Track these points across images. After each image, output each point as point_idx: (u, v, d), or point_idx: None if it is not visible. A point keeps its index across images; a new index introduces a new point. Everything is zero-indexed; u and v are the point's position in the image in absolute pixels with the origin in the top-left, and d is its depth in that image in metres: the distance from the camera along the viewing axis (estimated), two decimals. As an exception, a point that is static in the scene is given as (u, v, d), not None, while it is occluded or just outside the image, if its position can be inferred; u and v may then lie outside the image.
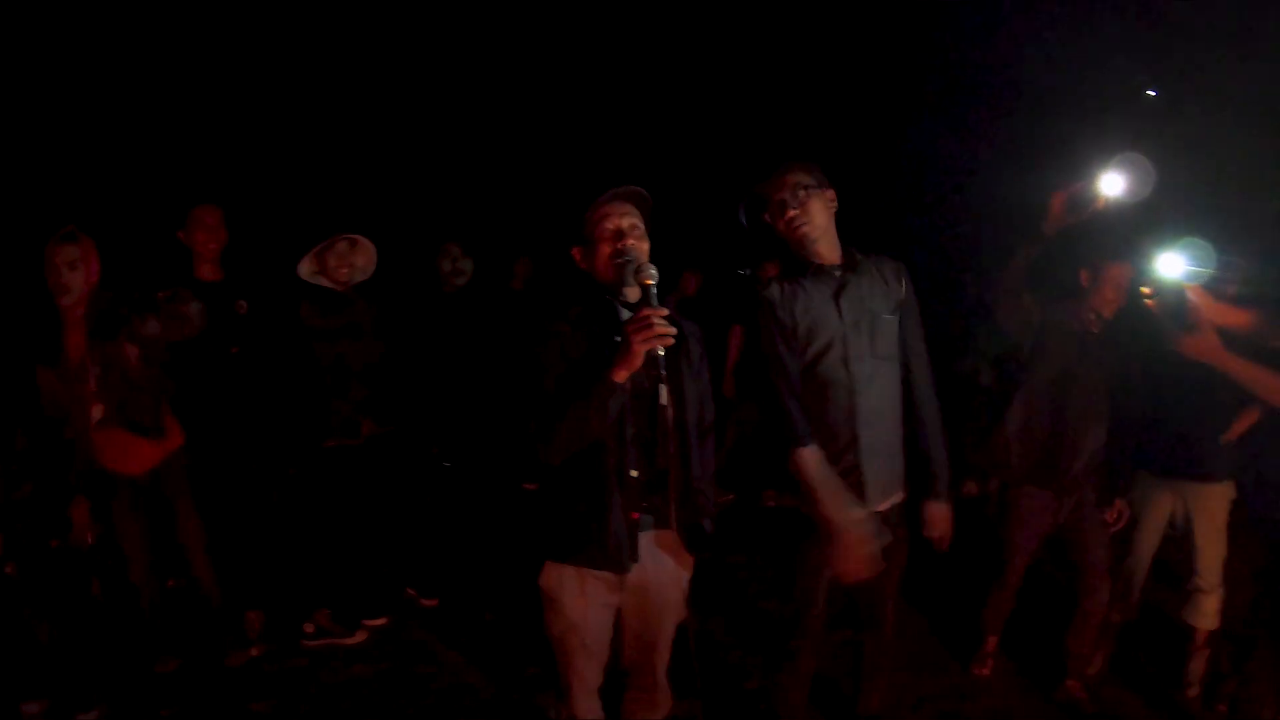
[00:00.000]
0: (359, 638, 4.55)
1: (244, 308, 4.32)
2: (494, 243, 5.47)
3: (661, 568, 2.84)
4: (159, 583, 4.05)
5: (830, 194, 3.10)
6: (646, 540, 2.77)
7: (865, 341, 3.05)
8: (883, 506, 3.09)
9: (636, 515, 2.70)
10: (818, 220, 3.05)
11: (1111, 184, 2.99)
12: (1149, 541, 4.07)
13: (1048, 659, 4.18)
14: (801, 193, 3.03)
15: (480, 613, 4.82)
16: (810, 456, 2.92)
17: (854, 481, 3.01)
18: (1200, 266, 2.92)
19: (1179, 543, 4.07)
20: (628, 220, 2.71)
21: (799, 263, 3.10)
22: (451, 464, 4.74)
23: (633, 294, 2.68)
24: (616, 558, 2.69)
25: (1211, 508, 3.89)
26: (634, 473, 2.67)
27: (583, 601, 2.79)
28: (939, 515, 3.16)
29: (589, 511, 2.67)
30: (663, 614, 2.94)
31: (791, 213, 3.04)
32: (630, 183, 2.79)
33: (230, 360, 4.21)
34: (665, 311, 2.48)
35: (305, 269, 4.42)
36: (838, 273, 3.08)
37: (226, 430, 4.20)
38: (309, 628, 4.52)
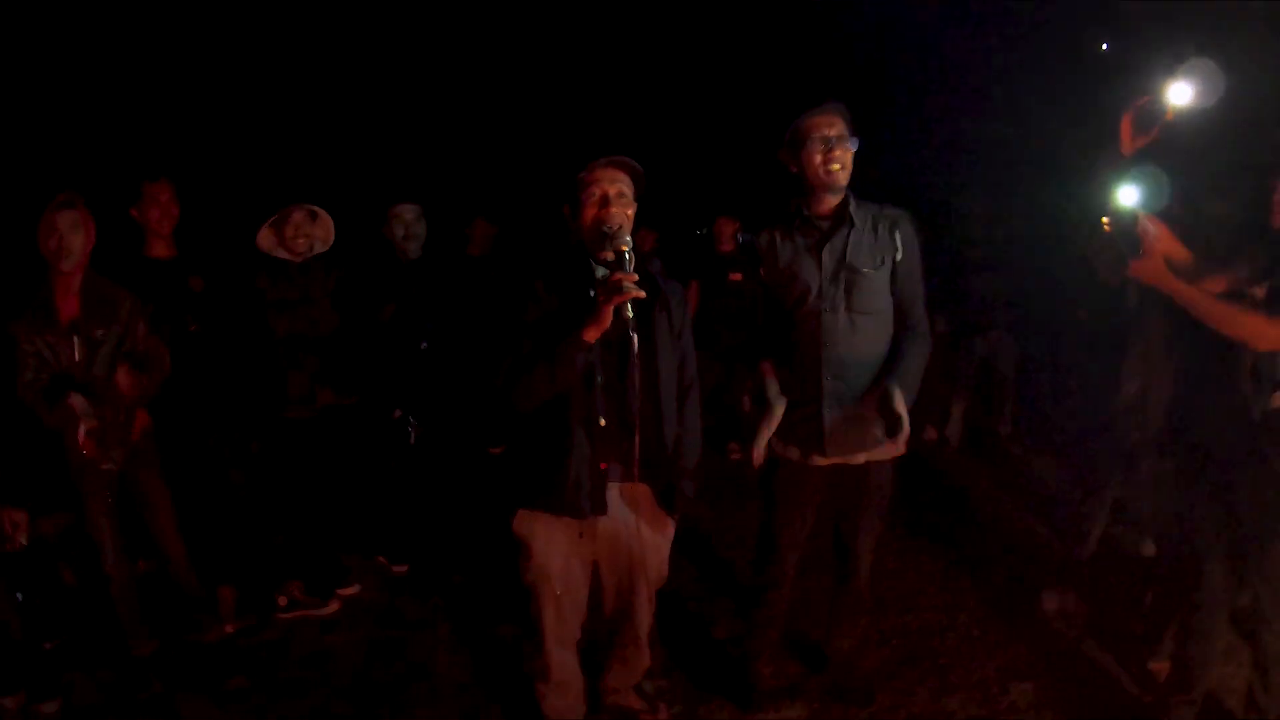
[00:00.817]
0: (332, 607, 4.55)
1: (199, 285, 4.24)
2: (447, 207, 5.38)
3: (634, 523, 2.95)
4: (130, 567, 3.98)
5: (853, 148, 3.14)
6: (615, 492, 2.89)
7: (840, 294, 3.13)
8: (844, 459, 3.21)
9: (605, 465, 2.83)
10: (849, 169, 3.12)
11: (1180, 93, 2.99)
12: (1108, 485, 4.17)
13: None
14: (844, 139, 3.08)
15: (450, 576, 4.85)
16: (763, 372, 3.18)
17: (813, 430, 3.16)
18: (1156, 195, 2.99)
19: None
20: (615, 188, 2.82)
21: (785, 211, 3.21)
22: (416, 428, 4.71)
23: (609, 257, 2.73)
24: (574, 503, 2.82)
25: None
26: (603, 421, 2.79)
27: (551, 549, 2.92)
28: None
29: (552, 457, 2.80)
30: (637, 571, 3.04)
31: (836, 153, 3.07)
32: (585, 138, 2.90)
33: (189, 338, 4.14)
34: (635, 276, 2.61)
35: (264, 240, 4.35)
36: (825, 224, 3.16)
37: (189, 408, 4.14)
38: (282, 600, 4.51)
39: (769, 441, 3.25)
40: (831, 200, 3.17)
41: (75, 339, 3.68)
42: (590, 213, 2.82)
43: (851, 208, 3.17)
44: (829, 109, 3.12)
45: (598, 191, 2.83)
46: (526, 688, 3.57)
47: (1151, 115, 3.06)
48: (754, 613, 3.58)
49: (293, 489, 4.44)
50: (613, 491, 2.90)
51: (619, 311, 2.63)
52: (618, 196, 2.83)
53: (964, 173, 8.03)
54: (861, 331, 3.16)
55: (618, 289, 2.59)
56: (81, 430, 3.60)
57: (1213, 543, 3.12)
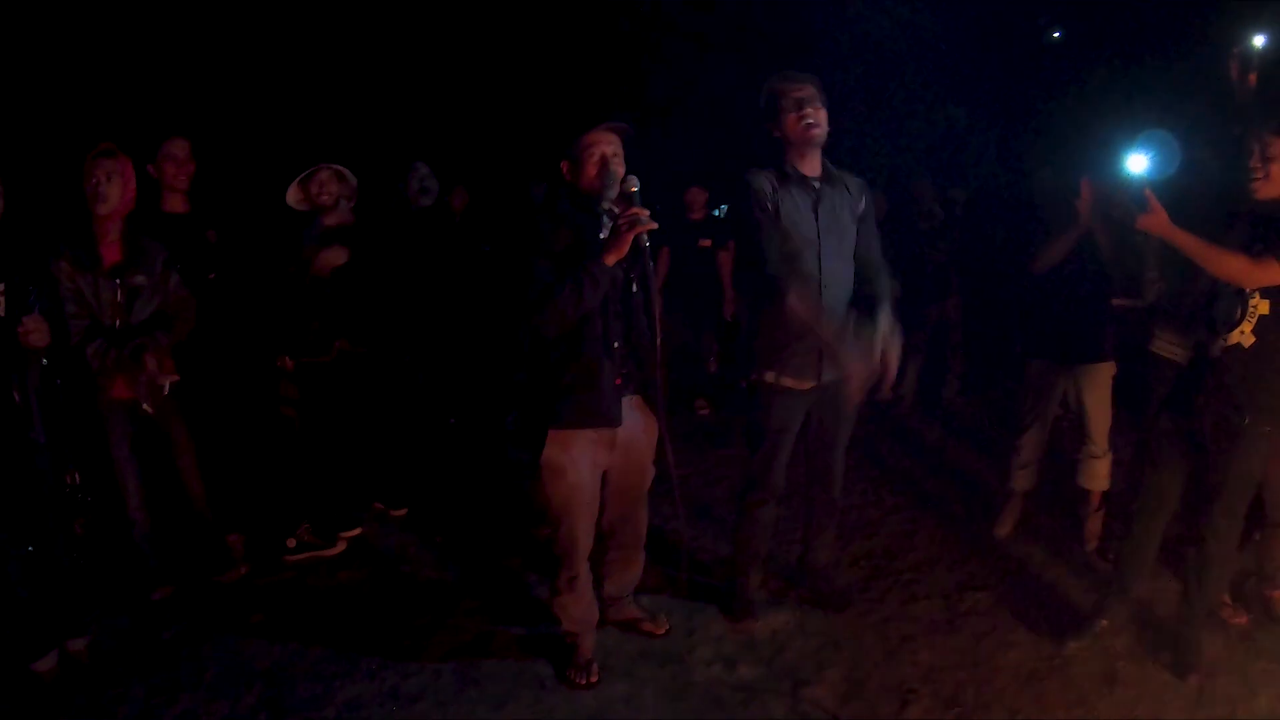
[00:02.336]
0: (339, 548, 4.81)
1: (213, 236, 4.49)
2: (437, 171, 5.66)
3: (639, 428, 3.46)
4: (150, 512, 4.15)
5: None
6: (627, 403, 3.35)
7: (835, 244, 3.60)
8: (833, 378, 3.64)
9: (619, 381, 3.29)
10: (824, 125, 3.53)
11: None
12: (1044, 419, 4.63)
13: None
14: (814, 99, 3.51)
15: (447, 516, 5.16)
16: (797, 297, 3.42)
17: (814, 359, 3.60)
18: (1165, 161, 3.51)
19: (1071, 418, 4.64)
20: (612, 148, 3.29)
21: (779, 167, 3.58)
22: (424, 376, 4.99)
23: (610, 201, 3.23)
24: (610, 415, 3.27)
25: (1099, 384, 4.42)
26: (616, 344, 3.27)
27: (581, 464, 3.34)
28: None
29: (585, 378, 3.23)
30: (642, 471, 3.57)
31: (808, 110, 3.49)
32: (559, 116, 3.35)
33: (207, 287, 4.37)
34: (647, 211, 3.06)
35: (292, 197, 4.66)
36: (816, 184, 3.60)
37: (210, 355, 4.36)
38: (291, 542, 4.75)
39: (766, 375, 3.67)
40: (814, 158, 3.61)
41: (118, 282, 3.89)
42: (592, 169, 3.28)
43: (831, 169, 3.64)
44: (799, 76, 3.56)
45: (597, 151, 3.28)
46: (537, 608, 3.97)
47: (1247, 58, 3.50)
48: (744, 530, 3.99)
49: (305, 433, 4.70)
50: (627, 403, 3.37)
51: (636, 241, 3.09)
52: (614, 155, 3.30)
53: (917, 155, 8.48)
54: (846, 275, 3.65)
55: (636, 220, 3.05)
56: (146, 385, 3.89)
57: (1171, 456, 3.53)
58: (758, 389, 3.72)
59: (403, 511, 5.26)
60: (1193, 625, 3.55)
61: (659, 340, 3.36)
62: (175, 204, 4.48)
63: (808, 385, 3.66)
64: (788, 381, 3.66)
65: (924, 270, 7.08)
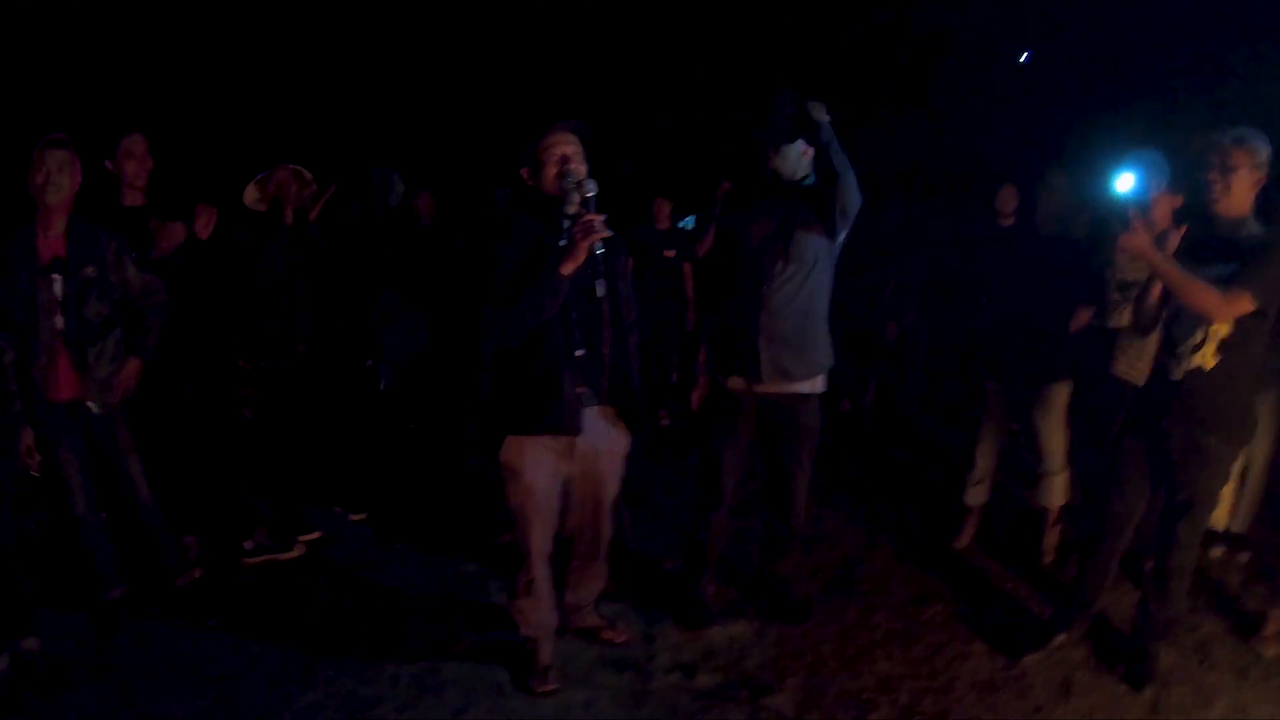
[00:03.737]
0: (297, 552, 4.77)
1: (157, 225, 4.41)
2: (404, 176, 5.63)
3: (604, 438, 3.43)
4: (99, 512, 4.05)
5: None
6: (590, 414, 3.33)
7: (780, 247, 3.68)
8: (779, 389, 3.76)
9: (581, 390, 3.27)
10: (790, 166, 3.75)
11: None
12: (997, 437, 4.69)
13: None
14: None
15: (406, 521, 5.11)
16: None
17: (750, 358, 3.72)
18: (1152, 180, 3.62)
19: (1027, 437, 4.69)
20: (571, 148, 3.27)
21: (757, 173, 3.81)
22: (386, 375, 4.96)
23: (572, 207, 3.19)
24: (570, 424, 3.25)
25: (1054, 405, 4.48)
26: (578, 352, 3.24)
27: (539, 469, 3.33)
28: None
29: (544, 385, 3.22)
30: (606, 481, 3.54)
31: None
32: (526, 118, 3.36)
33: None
34: (604, 217, 3.07)
35: (249, 196, 4.61)
36: (781, 190, 3.74)
37: (168, 354, 4.28)
38: (248, 545, 4.70)
39: (715, 375, 3.85)
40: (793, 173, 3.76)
41: (56, 278, 3.76)
42: (552, 171, 3.26)
43: (808, 181, 3.76)
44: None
45: (556, 152, 3.26)
46: (496, 614, 3.94)
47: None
48: (696, 534, 4.07)
49: (262, 436, 4.65)
50: (588, 413, 3.34)
51: (590, 251, 3.08)
52: (574, 154, 3.28)
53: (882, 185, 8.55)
54: (797, 280, 3.72)
55: (590, 228, 3.05)
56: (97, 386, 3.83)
57: (1134, 476, 3.57)
58: (712, 391, 3.88)
59: (362, 516, 5.22)
60: (1150, 636, 3.61)
61: (627, 356, 3.39)
62: (134, 198, 4.42)
63: (752, 389, 3.78)
64: (734, 383, 3.81)
65: (884, 291, 7.15)
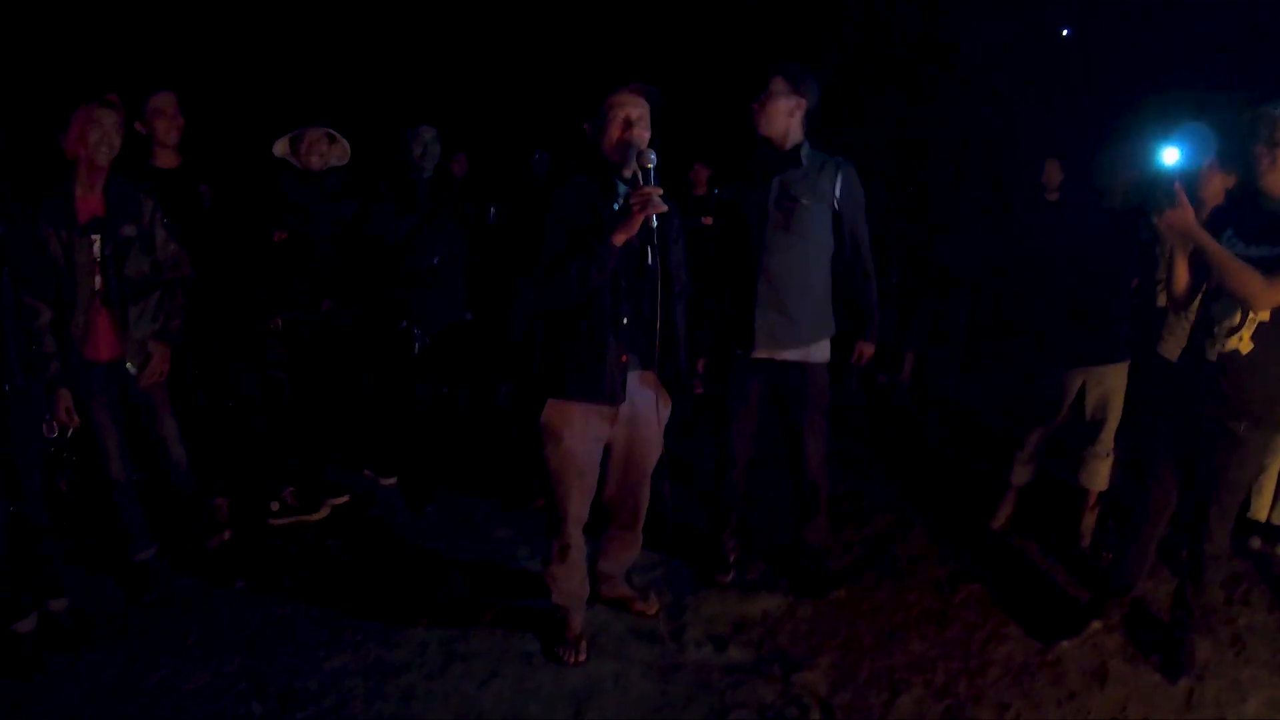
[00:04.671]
0: (323, 513, 4.77)
1: (207, 191, 4.43)
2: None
3: (647, 405, 3.37)
4: (132, 472, 4.04)
5: (797, 102, 3.70)
6: (633, 379, 3.30)
7: (781, 218, 3.70)
8: (770, 355, 3.81)
9: (625, 358, 3.23)
10: (775, 123, 3.71)
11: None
12: (1056, 417, 4.55)
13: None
14: (769, 100, 3.68)
15: (438, 486, 5.09)
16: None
17: (745, 326, 3.77)
18: (1199, 154, 3.40)
19: (1077, 416, 4.59)
20: (637, 111, 3.17)
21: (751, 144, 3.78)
22: (421, 339, 4.93)
23: (629, 171, 3.13)
24: (612, 391, 3.21)
25: (1116, 383, 4.37)
26: (624, 318, 3.19)
27: (579, 433, 3.28)
28: (866, 349, 4.07)
29: (588, 350, 3.18)
30: (646, 447, 3.49)
31: (755, 109, 3.72)
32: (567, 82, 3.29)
33: (198, 244, 4.26)
34: (661, 190, 2.98)
35: (279, 148, 4.59)
36: (773, 161, 3.74)
37: (199, 315, 4.27)
38: (275, 505, 4.71)
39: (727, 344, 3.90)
40: (778, 144, 3.75)
41: (95, 238, 3.74)
42: (615, 133, 3.17)
43: (803, 151, 3.73)
44: (771, 72, 3.70)
45: (621, 114, 3.16)
46: (527, 581, 3.94)
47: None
48: (716, 493, 4.18)
49: (293, 395, 4.64)
50: (632, 378, 3.31)
51: (645, 221, 3.00)
52: (639, 119, 3.18)
53: (928, 144, 8.39)
54: (795, 250, 3.74)
55: (648, 201, 2.96)
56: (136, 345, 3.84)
57: (1168, 458, 3.49)
58: (723, 359, 3.93)
59: (393, 480, 5.21)
60: (1186, 627, 3.52)
61: (675, 324, 3.35)
62: (165, 160, 4.38)
63: (753, 355, 3.82)
64: (736, 348, 3.86)
65: (928, 262, 7.03)
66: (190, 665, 3.52)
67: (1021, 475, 4.68)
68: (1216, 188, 3.91)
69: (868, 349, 4.05)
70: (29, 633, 3.57)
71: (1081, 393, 4.41)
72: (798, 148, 3.74)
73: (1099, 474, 4.47)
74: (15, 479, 3.50)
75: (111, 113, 3.75)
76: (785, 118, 3.70)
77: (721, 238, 3.97)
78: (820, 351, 3.90)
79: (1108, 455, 4.45)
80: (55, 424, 3.61)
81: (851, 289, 3.96)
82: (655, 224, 3.02)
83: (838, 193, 3.77)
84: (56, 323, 3.66)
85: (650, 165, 3.03)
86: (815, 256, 3.80)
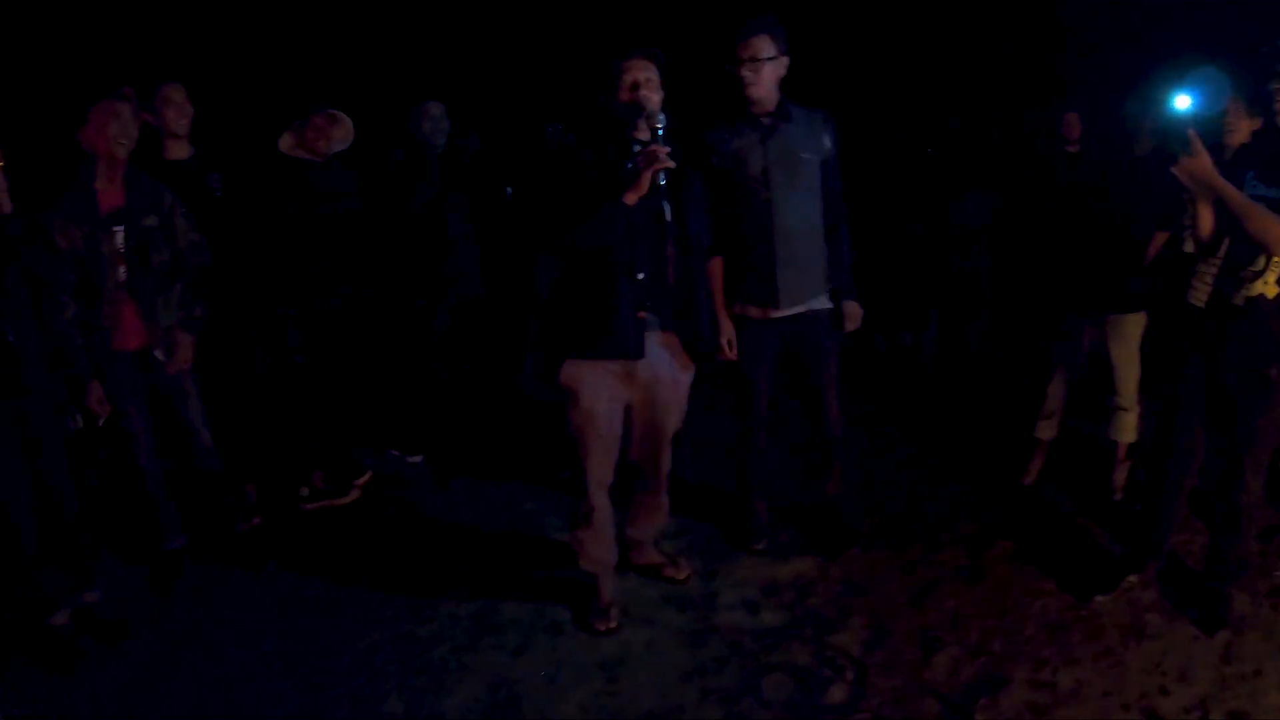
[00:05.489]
0: (352, 496, 4.79)
1: (218, 182, 4.41)
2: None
3: (666, 365, 3.38)
4: (162, 461, 4.07)
5: (784, 61, 3.68)
6: (652, 339, 3.29)
7: (785, 176, 3.68)
8: (792, 311, 3.78)
9: (643, 315, 3.23)
10: (765, 83, 3.65)
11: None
12: (1070, 369, 4.52)
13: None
14: (759, 62, 3.61)
15: (463, 463, 5.09)
16: (714, 268, 3.74)
17: (769, 287, 3.73)
18: (1213, 100, 3.29)
19: (1099, 369, 4.52)
20: (645, 75, 3.20)
21: (739, 105, 3.72)
22: (439, 321, 4.93)
23: (642, 134, 3.17)
24: (625, 347, 3.22)
25: (1128, 335, 4.31)
26: (640, 275, 3.19)
27: (598, 393, 3.30)
28: (852, 311, 3.94)
29: (604, 307, 3.19)
30: (668, 409, 3.49)
31: (745, 73, 3.63)
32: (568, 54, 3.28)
33: (213, 233, 4.27)
34: (669, 149, 3.01)
35: (285, 143, 4.56)
36: (768, 120, 3.69)
37: (218, 302, 4.28)
38: (304, 491, 4.73)
39: (735, 307, 3.82)
40: (771, 99, 3.70)
41: (117, 230, 3.76)
42: (625, 95, 3.19)
43: (791, 107, 3.73)
44: (747, 35, 3.62)
45: (630, 78, 3.19)
46: (557, 551, 3.94)
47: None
48: (740, 460, 4.14)
49: (315, 380, 4.64)
50: (650, 338, 3.30)
51: (655, 178, 3.03)
52: (647, 82, 3.20)
53: (950, 96, 8.26)
54: (803, 205, 3.75)
55: (654, 158, 2.99)
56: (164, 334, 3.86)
57: (1196, 405, 3.42)
58: (734, 321, 3.84)
59: (419, 458, 5.22)
60: (1222, 580, 3.47)
61: (692, 281, 3.35)
62: (177, 151, 4.37)
63: (770, 315, 3.78)
64: (752, 312, 3.79)
65: (951, 218, 6.94)
66: (224, 649, 3.55)
67: (1046, 430, 4.63)
68: (1243, 130, 3.82)
69: (856, 311, 3.94)
70: (64, 625, 3.61)
71: (1103, 345, 4.35)
72: (784, 104, 3.74)
73: (1126, 426, 4.41)
74: (42, 475, 3.54)
75: (128, 106, 3.78)
76: (774, 77, 3.67)
77: (722, 203, 3.81)
78: (825, 299, 3.90)
79: (1131, 408, 4.39)
80: (79, 417, 3.64)
81: (830, 240, 3.89)
82: (664, 181, 3.05)
83: (828, 145, 3.81)
84: (84, 315, 3.72)
85: (659, 126, 3.05)
86: (817, 209, 3.81)
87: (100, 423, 3.74)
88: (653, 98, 3.18)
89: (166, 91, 4.30)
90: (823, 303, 3.88)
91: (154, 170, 4.15)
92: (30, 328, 3.46)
